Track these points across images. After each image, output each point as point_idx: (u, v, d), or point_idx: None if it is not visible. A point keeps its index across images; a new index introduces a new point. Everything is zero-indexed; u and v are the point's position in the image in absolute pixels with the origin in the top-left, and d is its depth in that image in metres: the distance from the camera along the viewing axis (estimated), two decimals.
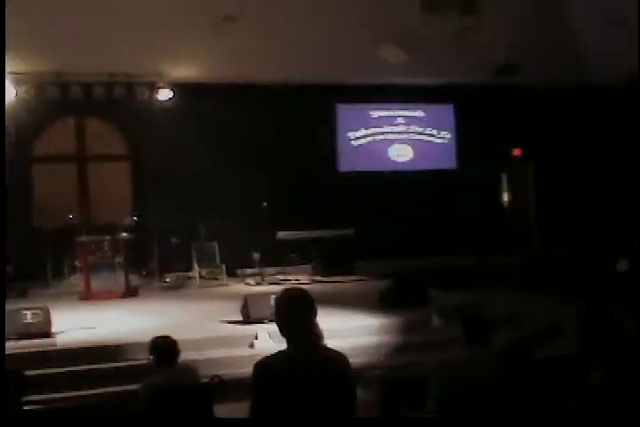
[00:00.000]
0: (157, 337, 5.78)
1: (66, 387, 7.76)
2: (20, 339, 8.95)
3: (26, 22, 11.16)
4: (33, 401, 5.29)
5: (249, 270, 14.82)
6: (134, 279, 13.66)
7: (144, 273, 14.67)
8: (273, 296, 9.51)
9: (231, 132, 15.46)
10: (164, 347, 5.68)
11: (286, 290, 3.87)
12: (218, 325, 9.77)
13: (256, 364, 3.67)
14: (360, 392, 3.86)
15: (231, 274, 14.62)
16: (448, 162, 18.03)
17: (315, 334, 3.75)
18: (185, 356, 5.97)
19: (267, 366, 3.67)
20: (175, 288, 13.93)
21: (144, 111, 14.93)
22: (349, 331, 9.39)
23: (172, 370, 5.60)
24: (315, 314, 3.77)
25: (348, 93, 16.64)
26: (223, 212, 14.70)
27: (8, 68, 13.39)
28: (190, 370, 5.85)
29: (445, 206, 17.06)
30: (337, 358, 3.81)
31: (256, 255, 14.48)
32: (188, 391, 5.44)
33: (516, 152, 18.04)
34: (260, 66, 14.13)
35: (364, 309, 10.53)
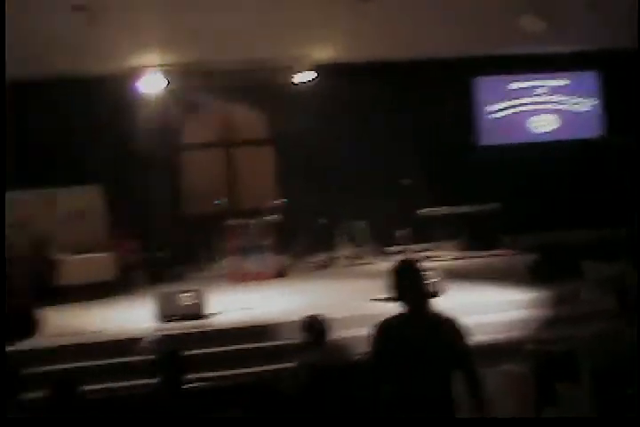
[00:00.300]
0: (308, 316, 5.92)
1: (222, 366, 8.06)
2: (176, 320, 9.37)
3: (170, 15, 11.50)
4: (191, 380, 5.51)
5: (394, 248, 14.86)
6: (282, 260, 13.97)
7: (292, 254, 14.95)
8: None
9: (372, 111, 15.49)
10: (316, 325, 5.81)
11: (398, 261, 4.57)
12: (367, 303, 9.86)
13: (378, 322, 4.43)
14: (514, 367, 3.94)
15: (377, 252, 14.71)
16: (594, 131, 17.44)
17: (424, 297, 4.39)
18: (336, 334, 6.09)
19: (386, 322, 4.42)
20: (323, 268, 14.15)
21: (286, 95, 15.15)
22: (499, 305, 9.32)
23: (324, 348, 5.72)
24: (422, 280, 4.42)
25: (486, 66, 16.36)
26: (367, 191, 14.78)
27: (158, 61, 13.97)
28: (343, 348, 5.96)
29: (590, 177, 16.55)
30: (443, 316, 4.42)
31: (401, 233, 14.51)
32: (341, 369, 5.54)
33: None
34: (399, 43, 14.07)
35: (512, 283, 10.41)
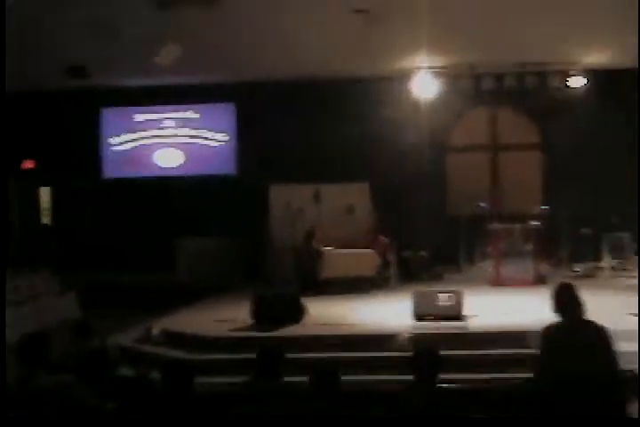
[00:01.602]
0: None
1: (471, 369, 8.08)
2: (433, 320, 9.50)
3: (444, 18, 11.65)
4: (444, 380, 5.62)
5: None
6: (543, 268, 13.72)
7: (553, 262, 14.65)
8: None
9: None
10: None
11: (560, 284, 5.65)
12: (626, 317, 9.48)
13: (544, 327, 5.37)
14: None
15: None
16: (224, 166, 16.38)
17: (580, 311, 5.38)
18: None
19: (551, 328, 5.35)
20: (585, 278, 13.74)
21: (556, 99, 14.85)
22: None
23: None
24: (578, 299, 5.45)
25: (111, 97, 16.06)
26: (636, 201, 14.17)
27: (430, 63, 14.18)
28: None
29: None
30: (596, 326, 5.29)
31: None
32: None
33: None
34: None
35: None
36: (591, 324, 5.36)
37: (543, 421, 4.92)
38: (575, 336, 5.27)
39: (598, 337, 5.25)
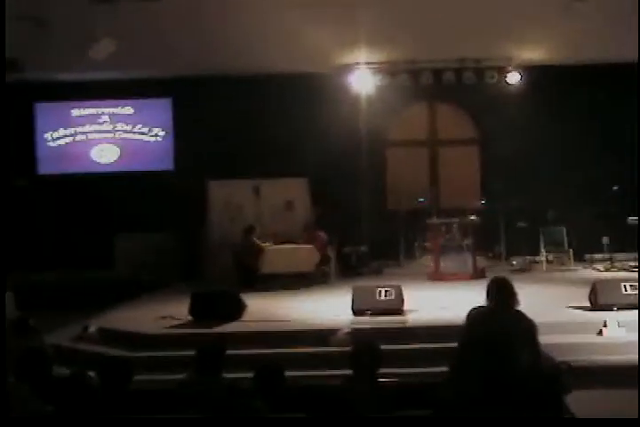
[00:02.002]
0: None
1: (413, 363, 8.13)
2: (372, 315, 9.53)
3: (383, 14, 11.69)
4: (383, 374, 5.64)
5: (597, 256, 14.42)
6: (481, 261, 13.88)
7: (491, 255, 14.84)
8: (624, 284, 9.27)
9: (579, 114, 15.05)
10: None
11: (494, 277, 5.91)
12: (564, 310, 9.66)
13: (470, 311, 5.65)
14: None
15: (579, 259, 14.35)
16: (159, 162, 16.41)
17: (508, 302, 5.56)
18: None
19: (474, 312, 5.62)
20: (521, 272, 13.93)
21: (493, 95, 15.01)
22: None
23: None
24: (508, 290, 5.65)
25: (46, 91, 15.83)
26: (571, 195, 14.43)
27: (366, 59, 14.22)
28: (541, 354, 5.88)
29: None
30: (523, 318, 5.49)
31: (605, 240, 14.05)
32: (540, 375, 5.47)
33: None
34: (610, 45, 13.57)
35: None
36: (516, 314, 5.54)
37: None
38: (496, 323, 5.44)
39: (520, 327, 5.41)
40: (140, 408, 4.85)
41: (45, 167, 16.53)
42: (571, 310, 9.63)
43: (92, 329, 9.77)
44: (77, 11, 11.05)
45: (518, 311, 5.58)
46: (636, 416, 5.10)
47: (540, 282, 12.58)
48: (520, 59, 14.67)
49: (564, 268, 13.99)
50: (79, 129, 16.51)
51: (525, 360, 5.21)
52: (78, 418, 4.28)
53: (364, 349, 5.51)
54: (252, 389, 5.03)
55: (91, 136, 16.53)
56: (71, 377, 4.69)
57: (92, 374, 4.84)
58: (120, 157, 16.49)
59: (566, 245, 14.24)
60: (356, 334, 8.64)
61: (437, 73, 14.87)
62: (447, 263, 13.34)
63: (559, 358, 6.32)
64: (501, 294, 5.64)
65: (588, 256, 14.57)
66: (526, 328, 5.43)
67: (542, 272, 13.81)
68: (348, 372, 5.44)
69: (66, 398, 4.46)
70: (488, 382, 5.02)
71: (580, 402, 5.45)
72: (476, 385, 5.03)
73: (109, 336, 9.60)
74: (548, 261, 14.18)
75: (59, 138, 16.52)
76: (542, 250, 14.21)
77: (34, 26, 11.25)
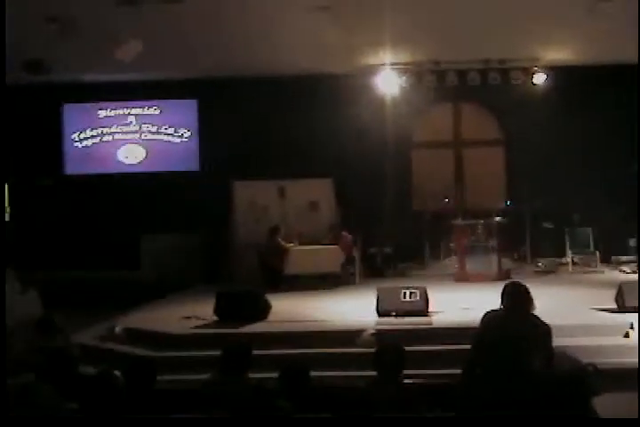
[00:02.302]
0: None
1: (438, 364, 8.10)
2: (397, 316, 9.52)
3: (408, 15, 11.67)
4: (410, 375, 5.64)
5: (624, 258, 14.30)
6: (507, 263, 13.82)
7: (516, 257, 14.78)
8: None
9: (604, 114, 14.92)
10: None
11: (510, 282, 5.87)
12: (590, 312, 9.60)
13: (485, 315, 5.71)
14: None
15: (605, 260, 14.24)
16: (186, 163, 16.47)
17: (525, 305, 5.56)
18: (556, 342, 6.00)
19: (488, 316, 5.69)
20: (547, 273, 13.86)
21: (518, 96, 14.94)
22: None
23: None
24: (526, 296, 5.62)
25: (73, 92, 15.99)
26: (597, 196, 14.32)
27: (391, 60, 14.21)
28: (566, 356, 5.86)
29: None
30: (537, 322, 5.52)
31: (632, 242, 13.95)
32: (565, 378, 5.43)
33: None
34: (635, 46, 13.45)
35: None
36: (530, 318, 5.56)
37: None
38: (509, 327, 5.49)
39: (534, 331, 5.45)
40: (164, 408, 4.87)
41: (72, 167, 16.65)
42: (597, 312, 9.56)
43: (118, 329, 9.83)
44: (103, 12, 11.10)
45: (532, 315, 5.60)
46: None
47: (566, 284, 12.52)
48: (545, 59, 14.59)
49: (590, 269, 13.90)
50: (106, 130, 16.63)
51: (538, 364, 5.27)
52: (90, 418, 4.29)
53: (387, 350, 5.50)
54: (277, 389, 5.03)
55: (117, 137, 16.65)
56: (97, 376, 4.72)
57: (117, 373, 4.87)
58: (146, 157, 16.59)
59: (592, 246, 14.15)
60: (382, 335, 8.62)
61: (462, 74, 14.82)
62: (472, 265, 13.29)
63: (585, 360, 6.27)
64: (516, 298, 5.64)
65: (614, 258, 14.45)
66: (540, 332, 5.47)
67: (568, 274, 13.74)
68: (373, 373, 5.44)
69: (91, 397, 4.50)
70: (500, 385, 5.10)
71: (606, 405, 5.42)
72: (488, 388, 5.13)
73: (135, 336, 9.66)
74: (573, 262, 14.10)
75: (86, 138, 16.63)
76: (568, 251, 14.13)
77: (61, 27, 11.31)
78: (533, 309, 5.63)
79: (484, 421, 4.39)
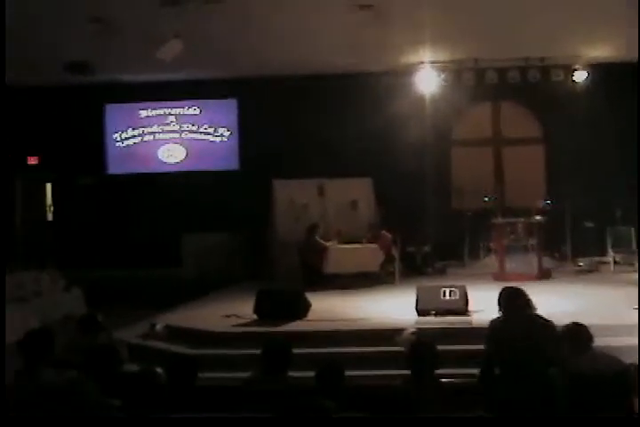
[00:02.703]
0: (569, 324, 5.83)
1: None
2: (437, 315, 9.51)
3: (448, 13, 11.65)
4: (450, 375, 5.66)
5: None
6: (547, 262, 13.73)
7: (557, 256, 14.67)
8: None
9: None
10: (576, 333, 5.71)
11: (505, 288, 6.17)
12: (631, 312, 9.49)
13: (490, 321, 5.94)
14: None
15: None
16: (226, 162, 16.51)
17: (528, 308, 5.86)
18: (598, 342, 5.96)
19: (493, 322, 5.95)
20: (588, 272, 13.74)
21: (559, 94, 14.83)
22: None
23: (588, 356, 5.61)
24: (525, 298, 5.93)
25: (115, 93, 16.16)
26: (637, 194, 14.15)
27: (431, 58, 14.17)
28: (607, 356, 5.81)
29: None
30: (545, 323, 5.75)
31: None
32: (607, 377, 5.39)
33: None
34: None
35: None
36: (529, 319, 5.81)
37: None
38: (507, 331, 5.75)
39: (533, 330, 5.68)
40: (206, 405, 4.93)
41: (115, 167, 16.86)
42: (636, 311, 9.45)
43: (160, 327, 9.94)
44: (145, 13, 11.23)
45: (532, 316, 5.86)
46: None
47: (607, 283, 12.39)
48: (587, 57, 14.46)
49: (631, 269, 13.74)
50: (147, 129, 16.81)
51: (545, 361, 5.44)
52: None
53: (420, 349, 5.51)
54: (314, 388, 5.06)
55: (158, 136, 16.82)
56: (139, 373, 4.79)
57: (159, 370, 4.94)
58: (186, 156, 16.73)
59: (635, 245, 13.99)
60: (421, 334, 8.62)
61: (502, 72, 14.75)
62: (512, 264, 13.21)
63: (627, 360, 6.22)
64: (511, 301, 5.94)
65: None
66: (549, 329, 5.68)
67: (610, 273, 13.59)
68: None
69: (134, 394, 4.56)
70: (510, 386, 5.30)
71: None
72: (502, 391, 5.34)
73: (176, 334, 9.75)
74: (615, 261, 13.95)
75: (127, 138, 16.83)
76: (609, 250, 13.99)
77: (104, 28, 11.46)
78: (533, 309, 5.90)
79: (516, 422, 4.39)
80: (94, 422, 4.28)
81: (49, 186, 16.99)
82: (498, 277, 13.06)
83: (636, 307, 9.59)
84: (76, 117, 15.96)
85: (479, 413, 4.73)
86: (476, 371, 6.43)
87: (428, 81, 14.92)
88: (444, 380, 5.49)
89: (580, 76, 14.70)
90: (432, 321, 9.33)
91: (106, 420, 4.35)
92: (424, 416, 4.31)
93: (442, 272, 14.26)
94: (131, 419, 4.36)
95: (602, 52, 14.10)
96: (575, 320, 5.90)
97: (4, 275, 10.90)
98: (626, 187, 14.32)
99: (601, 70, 14.61)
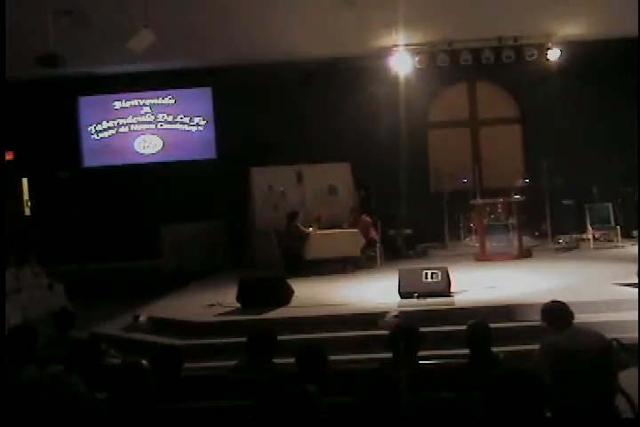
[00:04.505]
0: (549, 302, 5.86)
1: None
2: (420, 297, 9.53)
3: None
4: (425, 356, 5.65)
5: None
6: (527, 241, 13.79)
7: (537, 234, 14.75)
8: None
9: (620, 89, 14.77)
10: (556, 311, 5.74)
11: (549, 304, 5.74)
12: (611, 287, 9.57)
13: (544, 339, 5.37)
14: None
15: (626, 235, 14.16)
16: (203, 152, 16.47)
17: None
18: (579, 318, 6.00)
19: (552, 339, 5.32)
20: (568, 250, 13.82)
21: (533, 72, 14.87)
22: None
23: (568, 332, 5.64)
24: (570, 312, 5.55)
25: (88, 85, 16.08)
26: (616, 171, 14.25)
27: (404, 41, 14.14)
28: (589, 332, 5.85)
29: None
30: (599, 335, 5.32)
31: None
32: (589, 353, 5.43)
33: None
34: None
35: None
36: (592, 333, 5.47)
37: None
38: (579, 345, 5.29)
39: (600, 346, 5.27)
40: (192, 395, 4.92)
41: (91, 160, 16.75)
42: (619, 287, 9.53)
43: (143, 319, 9.91)
44: (114, 3, 11.12)
45: (583, 329, 5.64)
46: None
47: (588, 259, 12.48)
48: (559, 35, 14.49)
49: (611, 245, 13.85)
50: (122, 121, 16.70)
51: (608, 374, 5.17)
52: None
53: (401, 331, 5.51)
54: (297, 373, 5.06)
55: (133, 128, 16.72)
56: (124, 365, 4.77)
57: (144, 362, 4.92)
58: (163, 147, 16.65)
59: (613, 221, 14.08)
60: (404, 317, 8.64)
61: (476, 52, 14.76)
62: (493, 244, 13.27)
63: (609, 335, 6.26)
64: (562, 317, 5.62)
65: (635, 232, 14.38)
66: (597, 343, 5.32)
67: (589, 250, 13.68)
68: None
69: (119, 386, 4.55)
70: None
71: (631, 379, 5.43)
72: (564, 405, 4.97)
73: (160, 325, 9.73)
74: (594, 238, 14.04)
75: (102, 130, 16.71)
76: (589, 227, 14.08)
77: (72, 20, 11.35)
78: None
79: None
80: (81, 416, 4.26)
81: (25, 181, 16.84)
82: (479, 257, 13.12)
83: (616, 282, 9.68)
84: (50, 111, 15.81)
85: (465, 393, 4.74)
86: (460, 352, 6.46)
87: (402, 64, 14.89)
88: (428, 362, 5.50)
89: (554, 54, 14.73)
90: (415, 303, 9.35)
91: (92, 413, 4.33)
92: (404, 398, 4.31)
93: (423, 254, 14.29)
94: (117, 411, 4.35)
95: (574, 29, 14.13)
96: (556, 298, 5.94)
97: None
98: (603, 163, 14.39)
99: (574, 48, 14.64)
